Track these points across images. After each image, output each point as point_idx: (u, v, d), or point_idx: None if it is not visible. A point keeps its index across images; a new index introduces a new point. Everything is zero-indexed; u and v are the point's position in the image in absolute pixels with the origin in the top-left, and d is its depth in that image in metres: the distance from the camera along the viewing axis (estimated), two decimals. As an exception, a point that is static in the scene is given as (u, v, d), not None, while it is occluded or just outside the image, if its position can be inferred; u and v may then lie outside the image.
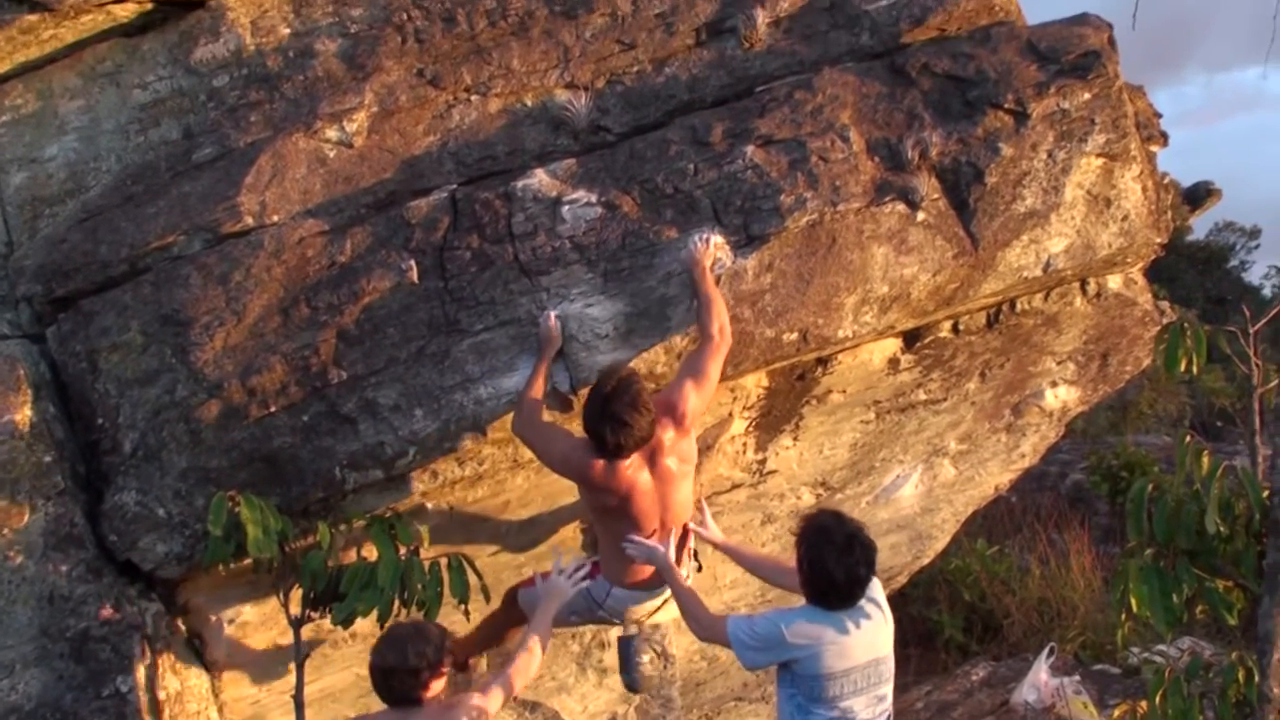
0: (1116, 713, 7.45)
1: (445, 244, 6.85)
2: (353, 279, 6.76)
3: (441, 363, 6.68)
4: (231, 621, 7.22)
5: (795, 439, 8.37)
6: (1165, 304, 9.35)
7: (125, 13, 7.29)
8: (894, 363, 8.11)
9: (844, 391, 8.10)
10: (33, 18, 7.02)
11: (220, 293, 6.73)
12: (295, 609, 6.80)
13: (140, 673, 6.69)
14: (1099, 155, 7.41)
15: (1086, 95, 7.39)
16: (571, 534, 7.95)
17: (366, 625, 6.72)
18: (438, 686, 6.03)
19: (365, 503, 6.91)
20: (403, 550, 6.78)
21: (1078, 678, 12.27)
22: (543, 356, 6.64)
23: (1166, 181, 8.46)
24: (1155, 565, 6.49)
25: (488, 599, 6.98)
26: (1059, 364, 9.08)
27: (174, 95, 7.42)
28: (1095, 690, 12.18)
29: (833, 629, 5.95)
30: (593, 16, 7.51)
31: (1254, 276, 41.74)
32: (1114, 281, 8.43)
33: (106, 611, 6.67)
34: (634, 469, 6.51)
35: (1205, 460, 6.47)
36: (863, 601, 6.05)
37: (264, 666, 7.51)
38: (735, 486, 8.33)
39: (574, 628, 8.06)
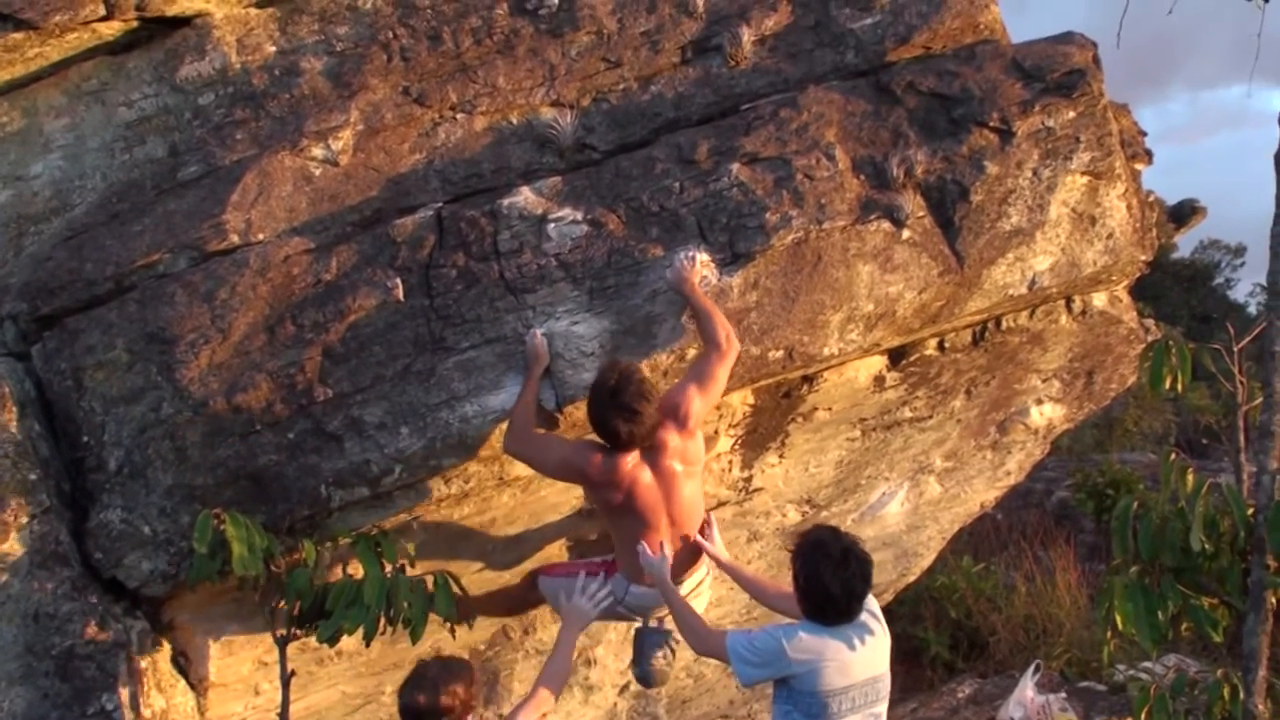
0: (1102, 730, 7.46)
1: (431, 262, 6.86)
2: (338, 297, 6.76)
3: (427, 380, 6.68)
4: (217, 639, 7.21)
5: (781, 456, 8.38)
6: (1150, 322, 9.38)
7: (110, 31, 7.29)
8: (879, 380, 8.11)
9: (830, 409, 8.11)
10: (17, 36, 7.01)
11: (206, 311, 6.72)
12: (281, 627, 6.78)
13: (125, 691, 6.66)
14: (1084, 173, 7.43)
15: (1071, 113, 7.42)
16: (558, 551, 7.95)
17: (352, 643, 6.71)
18: None
19: (351, 520, 6.90)
20: (388, 568, 6.77)
21: (1064, 695, 12.26)
22: (531, 374, 6.65)
23: (1151, 199, 8.48)
24: (1140, 582, 6.50)
25: (470, 621, 6.98)
26: (1044, 381, 9.09)
27: (159, 113, 7.41)
28: (1081, 707, 12.18)
29: (835, 644, 5.94)
30: (578, 35, 7.53)
31: (1239, 294, 41.94)
32: (1099, 299, 8.45)
33: (91, 629, 6.65)
34: (634, 466, 6.54)
35: (1190, 478, 6.48)
36: (865, 617, 6.06)
37: (249, 684, 7.50)
38: (721, 504, 8.33)
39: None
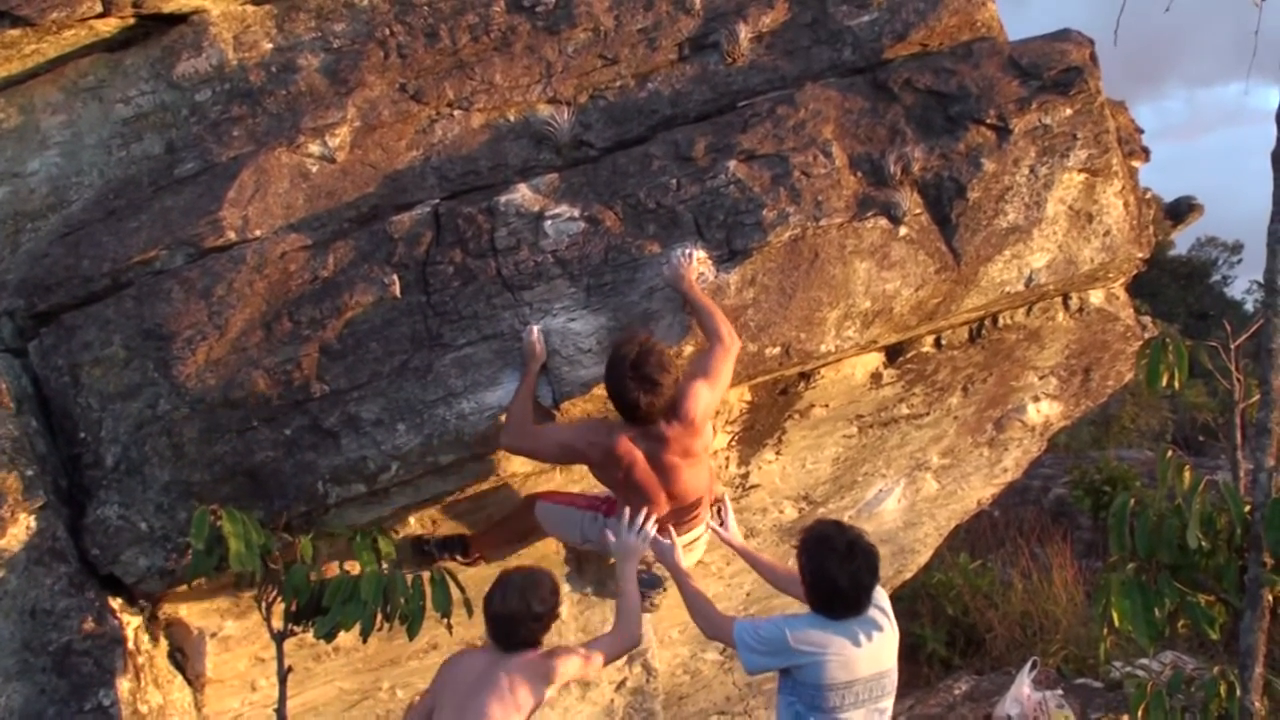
0: (1099, 727, 7.46)
1: (428, 258, 6.86)
2: (335, 293, 6.76)
3: (424, 377, 6.68)
4: (214, 635, 7.22)
5: (778, 453, 8.39)
6: (1147, 319, 9.38)
7: (107, 28, 7.29)
8: (876, 377, 8.12)
9: (826, 406, 8.11)
10: (14, 32, 7.01)
11: (202, 307, 6.72)
12: (278, 623, 6.77)
13: (123, 686, 6.67)
14: (1081, 170, 7.43)
15: (1068, 111, 7.42)
16: (555, 547, 7.95)
17: (349, 639, 6.71)
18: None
19: (348, 516, 6.90)
20: (385, 564, 6.78)
21: (1060, 692, 12.28)
22: (528, 370, 6.65)
23: (1148, 197, 8.48)
24: (1137, 579, 6.49)
25: (470, 613, 6.98)
26: (1041, 379, 9.09)
27: (156, 110, 7.41)
28: (1078, 704, 12.19)
29: (840, 639, 5.94)
30: (575, 32, 7.52)
31: (1236, 291, 41.96)
32: (1096, 296, 8.45)
33: (89, 625, 6.66)
34: (631, 449, 6.59)
35: (1187, 475, 6.47)
36: (873, 611, 6.06)
37: (246, 680, 7.51)
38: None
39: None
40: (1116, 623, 6.49)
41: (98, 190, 7.34)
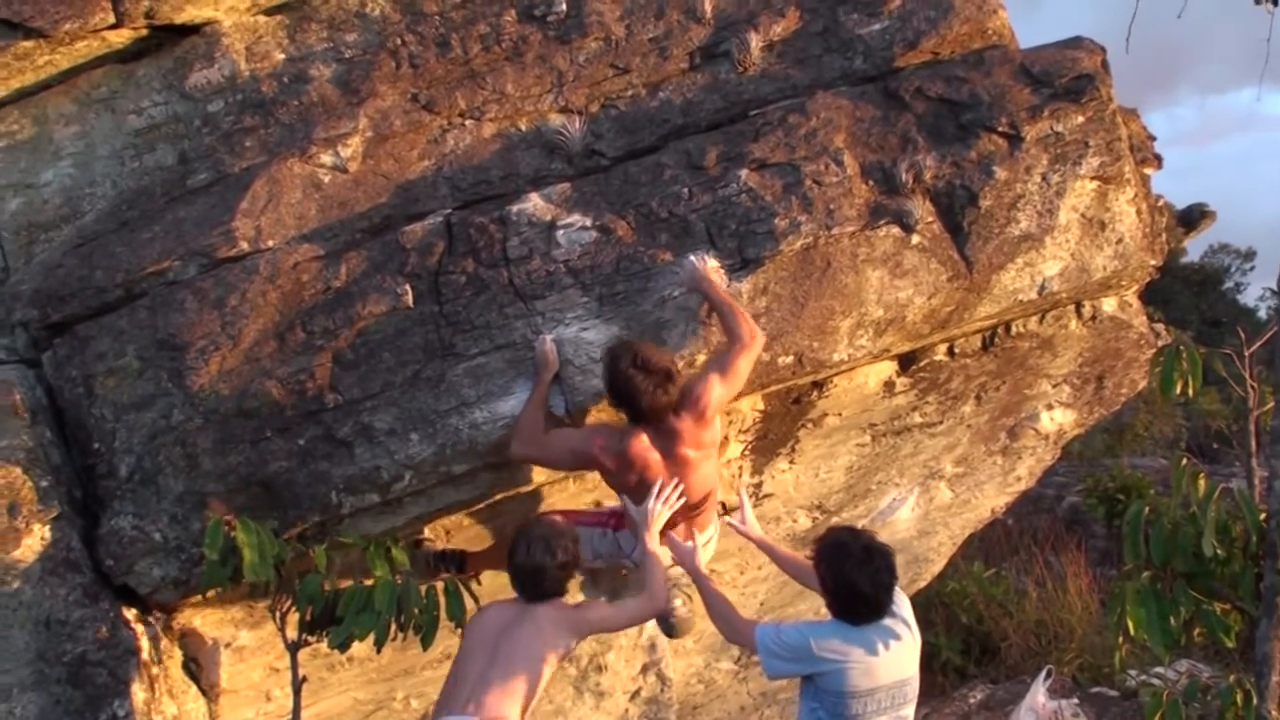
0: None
1: (440, 268, 6.86)
2: (348, 303, 6.77)
3: (437, 387, 6.69)
4: (228, 645, 7.23)
5: (791, 462, 8.38)
6: (1160, 326, 9.35)
7: (120, 39, 7.30)
8: (889, 386, 8.11)
9: (840, 415, 8.11)
10: (28, 44, 7.03)
11: (216, 317, 6.73)
12: (292, 633, 6.78)
13: (137, 697, 6.67)
14: (1093, 178, 7.42)
15: (1080, 118, 7.41)
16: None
17: (363, 649, 6.72)
18: None
19: (362, 526, 6.90)
20: (399, 574, 6.78)
21: (1075, 700, 12.24)
22: (540, 380, 6.66)
23: (1161, 204, 8.47)
24: (1152, 588, 6.48)
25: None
26: (1054, 387, 9.08)
27: (169, 121, 7.42)
28: (1093, 713, 12.17)
29: (861, 649, 5.93)
30: (586, 41, 7.53)
31: (1249, 298, 41.88)
32: (1109, 304, 8.44)
33: (103, 636, 6.66)
34: (645, 448, 6.58)
35: (1202, 483, 6.46)
36: (893, 621, 6.04)
37: (261, 691, 7.51)
38: (732, 509, 8.33)
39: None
40: (1132, 631, 6.48)
41: (111, 201, 7.35)
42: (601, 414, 6.85)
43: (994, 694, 13.24)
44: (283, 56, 7.49)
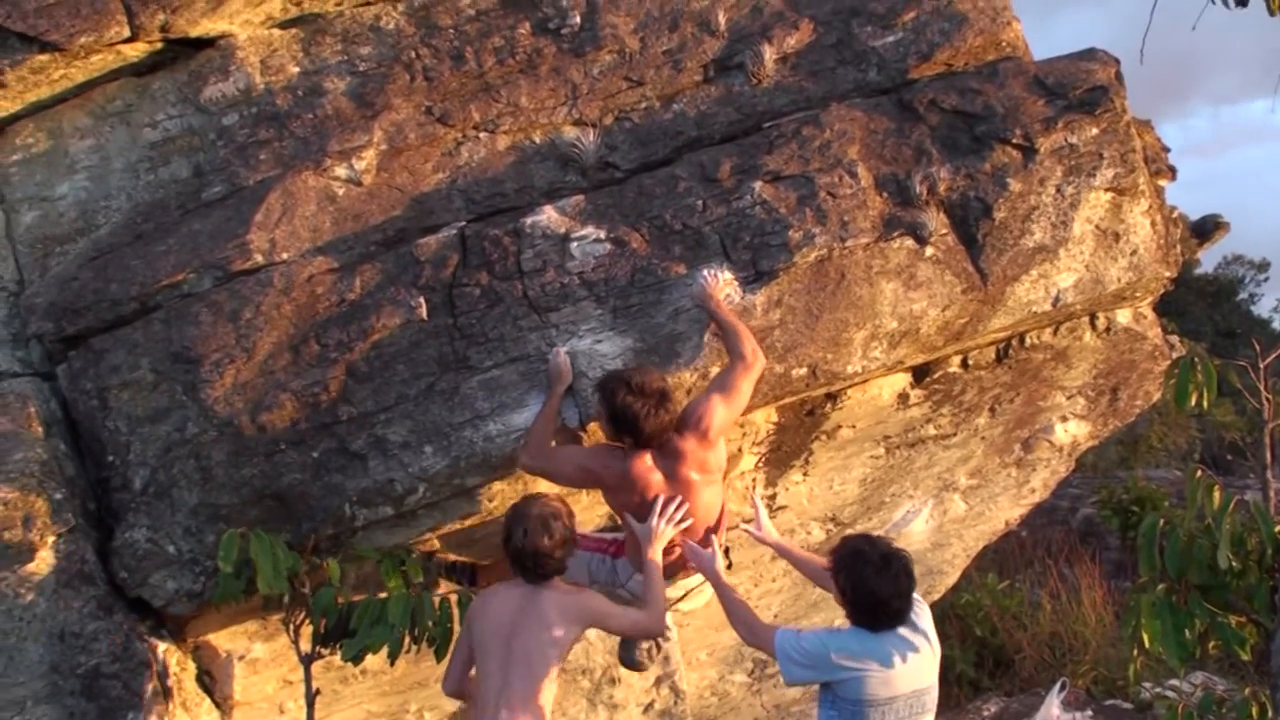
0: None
1: (454, 281, 6.87)
2: (362, 316, 6.77)
3: (451, 399, 6.69)
4: (242, 658, 7.23)
5: (805, 474, 8.37)
6: (1174, 338, 9.35)
7: (135, 52, 7.32)
8: (903, 398, 8.10)
9: (853, 427, 8.10)
10: (43, 58, 7.04)
11: (230, 330, 6.74)
12: (306, 646, 6.79)
13: (151, 709, 6.68)
14: (1107, 190, 7.41)
15: (1094, 130, 7.40)
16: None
17: (377, 662, 6.72)
18: None
19: (375, 539, 6.91)
20: (413, 586, 6.78)
21: (1090, 713, 12.23)
22: (553, 392, 6.66)
23: (1175, 215, 8.46)
24: (1167, 600, 6.48)
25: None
26: (1069, 399, 9.07)
27: (184, 134, 7.43)
28: (1107, 725, 12.15)
29: (880, 658, 5.92)
30: (600, 54, 7.54)
31: (1263, 309, 41.82)
32: (1123, 316, 8.43)
33: (117, 648, 6.67)
34: (649, 469, 6.55)
35: (1217, 495, 6.45)
36: (911, 633, 6.03)
37: (274, 703, 7.52)
38: (746, 522, 8.33)
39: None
40: (1147, 643, 6.47)
41: (126, 214, 7.36)
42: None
43: (1008, 707, 13.21)
44: (297, 70, 7.50)
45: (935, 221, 7.17)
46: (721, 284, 6.79)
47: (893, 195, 7.20)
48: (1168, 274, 7.88)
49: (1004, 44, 7.87)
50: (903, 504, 9.34)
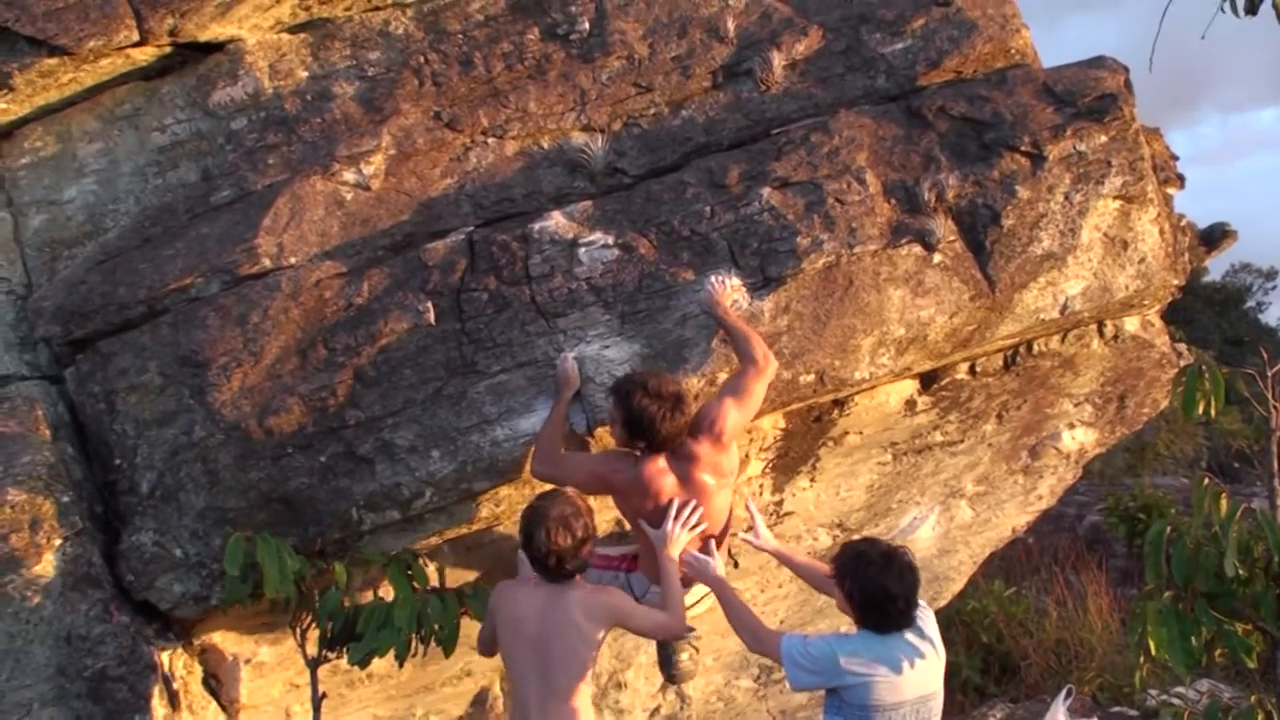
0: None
1: (462, 286, 6.87)
2: (370, 321, 6.77)
3: (458, 404, 6.69)
4: (248, 661, 7.23)
5: (812, 480, 8.37)
6: (1182, 346, 9.34)
7: (144, 56, 7.33)
8: (911, 404, 8.10)
9: (861, 433, 8.10)
10: (52, 61, 7.05)
11: (238, 334, 6.75)
12: (312, 649, 6.79)
13: (157, 713, 6.68)
14: (1116, 197, 7.41)
15: (1103, 138, 7.40)
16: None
17: (383, 665, 6.73)
18: None
19: (382, 543, 6.91)
20: (419, 590, 6.78)
21: (1096, 720, 12.22)
22: (561, 397, 6.66)
23: (1183, 223, 8.46)
24: (1174, 608, 6.47)
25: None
26: (1076, 406, 9.06)
27: (192, 138, 7.45)
28: (1113, 733, 12.14)
29: (886, 666, 5.91)
30: (609, 59, 7.55)
31: (1271, 318, 41.83)
32: (1131, 323, 8.42)
33: (123, 651, 6.66)
34: (661, 473, 6.52)
35: (1224, 502, 6.45)
36: (917, 639, 6.02)
37: (281, 707, 7.52)
38: (745, 530, 8.33)
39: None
40: (1153, 651, 6.46)
41: (134, 218, 7.37)
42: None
43: (1014, 713, 13.19)
44: (306, 74, 7.52)
45: (943, 228, 7.17)
46: (729, 290, 6.78)
47: (901, 202, 7.20)
48: (1176, 282, 7.88)
49: (1013, 51, 7.88)
50: (909, 510, 9.34)
